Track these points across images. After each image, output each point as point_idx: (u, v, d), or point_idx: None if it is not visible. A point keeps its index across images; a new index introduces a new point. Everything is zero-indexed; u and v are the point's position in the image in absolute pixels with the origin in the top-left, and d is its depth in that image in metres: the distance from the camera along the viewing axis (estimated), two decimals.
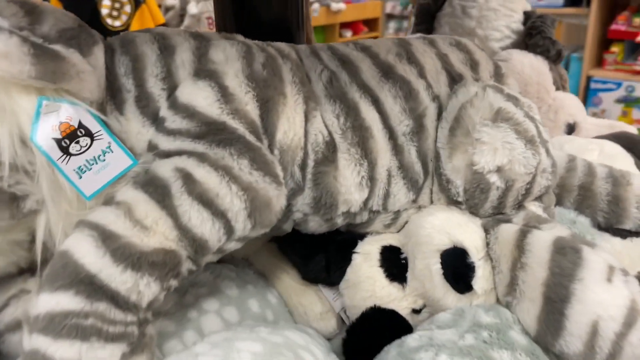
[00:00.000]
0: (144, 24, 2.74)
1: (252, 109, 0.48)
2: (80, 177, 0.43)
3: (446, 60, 0.57)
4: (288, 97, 0.49)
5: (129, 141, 0.46)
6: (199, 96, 0.47)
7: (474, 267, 0.50)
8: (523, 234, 0.49)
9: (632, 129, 0.84)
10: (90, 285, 0.37)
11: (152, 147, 0.46)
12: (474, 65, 0.58)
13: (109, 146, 0.44)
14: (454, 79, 0.56)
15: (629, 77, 2.09)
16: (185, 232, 0.41)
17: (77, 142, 0.43)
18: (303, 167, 0.49)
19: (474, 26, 0.85)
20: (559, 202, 0.62)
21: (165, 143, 0.45)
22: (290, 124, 0.49)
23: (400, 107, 0.53)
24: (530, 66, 0.79)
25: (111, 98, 0.47)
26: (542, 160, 0.52)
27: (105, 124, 0.44)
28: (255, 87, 0.48)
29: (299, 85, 0.50)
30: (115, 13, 2.69)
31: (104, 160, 0.44)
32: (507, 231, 0.50)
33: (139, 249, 0.39)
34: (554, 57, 0.81)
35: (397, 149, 0.52)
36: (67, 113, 0.42)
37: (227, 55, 0.50)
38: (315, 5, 3.86)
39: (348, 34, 4.29)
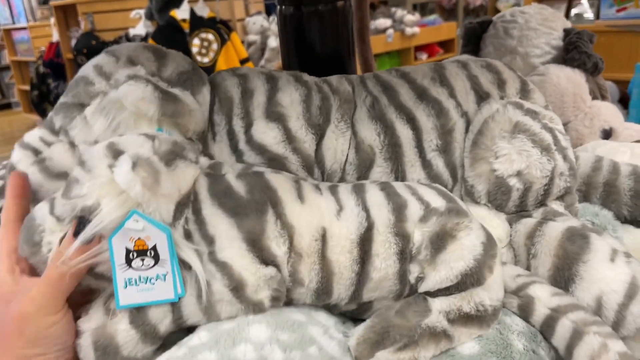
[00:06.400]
0: (229, 59, 2.97)
1: (308, 146, 0.60)
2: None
3: (475, 81, 0.65)
4: (334, 134, 0.61)
5: None
6: (268, 136, 0.59)
7: None
8: (538, 224, 0.57)
9: None
10: None
11: None
12: (501, 84, 0.66)
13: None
14: (482, 97, 0.64)
15: None
16: None
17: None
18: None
19: (515, 45, 0.93)
20: (587, 198, 0.69)
21: None
22: (335, 154, 0.61)
23: (432, 123, 0.62)
24: (566, 78, 0.86)
25: (210, 128, 0.60)
26: (558, 165, 0.60)
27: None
28: (311, 129, 0.60)
29: (342, 120, 0.62)
30: (203, 51, 2.94)
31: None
32: (525, 224, 0.59)
33: None
34: (591, 69, 0.88)
35: (425, 164, 0.62)
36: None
37: (292, 99, 0.61)
38: (390, 31, 3.98)
39: (423, 56, 4.37)
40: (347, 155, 0.61)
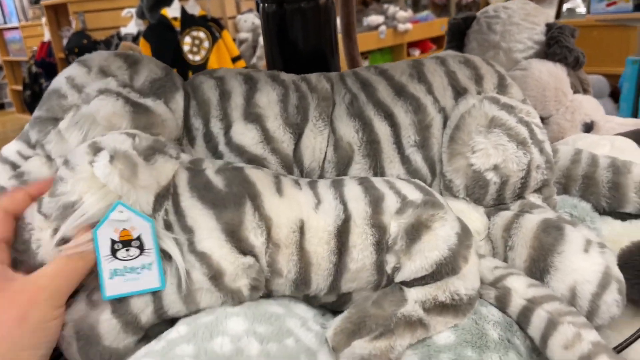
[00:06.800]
0: (221, 57, 2.97)
1: (287, 146, 0.61)
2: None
3: (453, 76, 0.66)
4: (312, 133, 0.62)
5: None
6: (247, 137, 0.60)
7: None
8: (515, 217, 0.58)
9: None
10: None
11: None
12: (478, 79, 0.67)
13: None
14: (459, 93, 0.65)
15: None
16: None
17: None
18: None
19: (498, 40, 0.93)
20: (566, 191, 0.70)
21: None
22: (313, 153, 0.62)
23: (410, 119, 0.63)
24: (548, 73, 0.87)
25: (186, 134, 0.61)
26: (534, 158, 0.61)
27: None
28: (289, 129, 0.61)
29: (320, 119, 0.62)
30: (195, 49, 2.94)
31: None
32: (503, 216, 0.59)
33: None
34: (572, 63, 0.88)
35: (404, 159, 0.63)
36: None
37: (269, 100, 0.62)
38: (382, 28, 3.98)
39: (416, 52, 4.37)
40: (326, 153, 0.62)
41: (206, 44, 2.90)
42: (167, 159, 0.51)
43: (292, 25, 0.81)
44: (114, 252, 0.47)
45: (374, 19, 4.06)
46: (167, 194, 0.50)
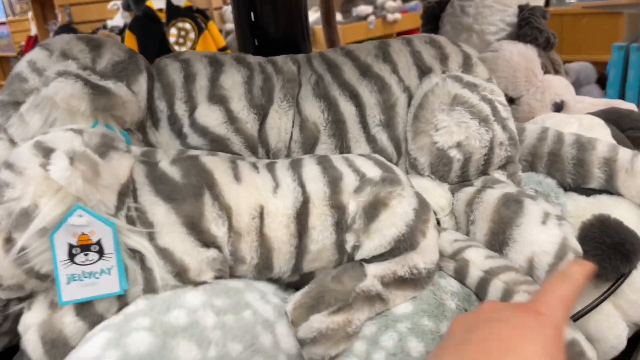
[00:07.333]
0: (207, 48, 2.96)
1: (251, 126, 0.61)
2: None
3: (418, 56, 0.67)
4: (277, 114, 0.62)
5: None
6: (211, 118, 0.60)
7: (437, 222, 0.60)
8: (477, 192, 0.59)
9: (630, 106, 0.90)
10: None
11: None
12: (443, 59, 0.67)
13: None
14: (424, 72, 0.66)
15: None
16: None
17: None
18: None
19: (471, 22, 0.94)
20: (533, 168, 0.71)
21: None
22: (279, 133, 0.62)
23: (376, 99, 0.64)
24: (519, 54, 0.88)
25: (150, 116, 0.61)
26: (496, 135, 0.62)
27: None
28: (253, 110, 0.61)
29: (284, 100, 0.63)
30: (181, 40, 2.92)
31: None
32: (466, 192, 0.60)
33: None
34: (543, 44, 0.89)
35: (369, 139, 0.63)
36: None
37: (233, 82, 0.62)
38: (371, 18, 3.97)
39: None
40: (292, 133, 0.62)
41: (192, 35, 2.88)
42: (122, 154, 0.51)
43: (263, 10, 0.81)
44: (71, 256, 0.46)
45: (363, 9, 4.05)
46: (127, 191, 0.49)
